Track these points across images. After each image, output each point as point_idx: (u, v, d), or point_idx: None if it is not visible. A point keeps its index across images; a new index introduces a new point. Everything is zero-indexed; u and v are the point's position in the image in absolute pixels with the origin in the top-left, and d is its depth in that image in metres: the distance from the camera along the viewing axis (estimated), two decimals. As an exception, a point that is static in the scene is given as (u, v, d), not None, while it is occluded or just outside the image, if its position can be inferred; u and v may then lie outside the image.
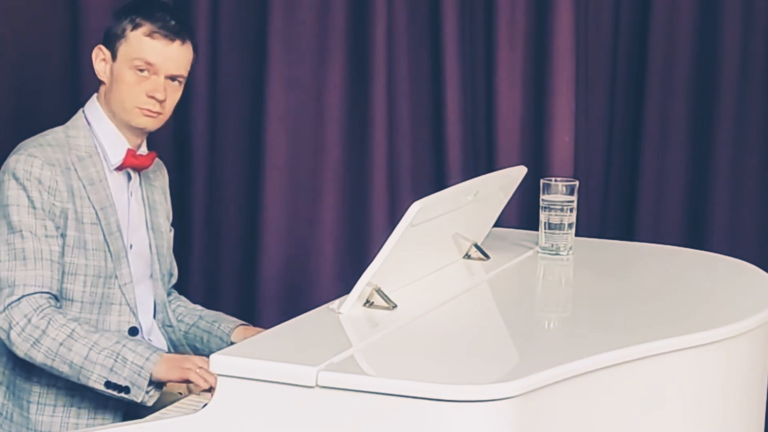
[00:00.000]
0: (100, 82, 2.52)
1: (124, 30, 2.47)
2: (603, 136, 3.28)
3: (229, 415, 1.92)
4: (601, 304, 2.42)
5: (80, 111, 2.55)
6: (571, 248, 2.73)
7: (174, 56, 2.48)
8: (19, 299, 2.33)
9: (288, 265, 3.22)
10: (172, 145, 3.23)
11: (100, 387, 2.31)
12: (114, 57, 2.48)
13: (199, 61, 3.22)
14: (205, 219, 3.31)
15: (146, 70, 2.46)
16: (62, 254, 2.40)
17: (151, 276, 2.59)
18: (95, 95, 2.55)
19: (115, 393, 2.31)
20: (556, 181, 2.73)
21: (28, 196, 2.38)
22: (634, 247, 3.02)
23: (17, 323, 2.32)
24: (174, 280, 2.72)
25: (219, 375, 1.92)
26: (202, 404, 1.99)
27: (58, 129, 2.51)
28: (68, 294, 2.42)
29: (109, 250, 2.46)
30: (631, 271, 2.77)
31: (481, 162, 3.23)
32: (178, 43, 2.49)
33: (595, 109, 3.26)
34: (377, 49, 3.14)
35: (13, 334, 2.32)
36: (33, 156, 2.40)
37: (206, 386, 2.27)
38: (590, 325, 2.27)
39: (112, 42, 2.49)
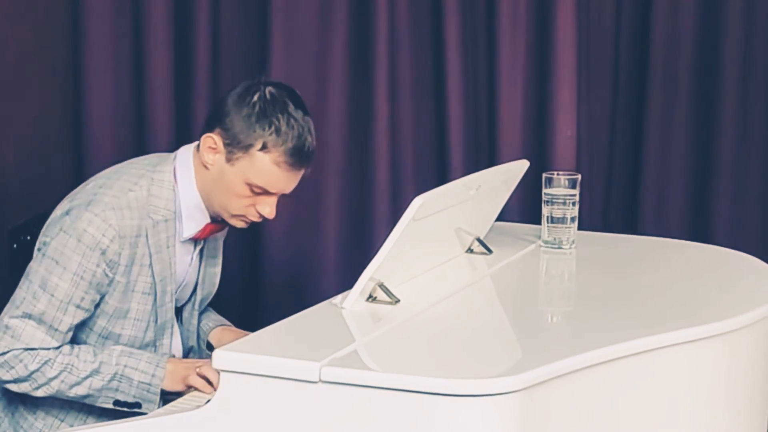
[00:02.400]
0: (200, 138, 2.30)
1: (251, 145, 2.22)
2: (605, 129, 3.28)
3: (232, 410, 1.92)
4: (603, 297, 2.42)
5: (171, 160, 2.32)
6: (573, 242, 2.73)
7: (295, 181, 2.29)
8: (15, 349, 2.23)
9: (291, 260, 3.22)
10: (174, 142, 3.23)
11: (109, 406, 2.28)
12: (229, 161, 2.25)
13: (201, 59, 3.23)
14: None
15: (262, 193, 2.27)
16: (93, 321, 2.28)
17: (181, 323, 2.48)
18: (192, 150, 2.32)
19: (125, 409, 2.27)
20: (558, 174, 2.72)
21: (82, 264, 2.21)
22: (636, 240, 3.02)
23: (12, 367, 2.23)
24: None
25: (222, 371, 1.92)
26: (206, 400, 1.99)
27: (143, 182, 2.28)
28: (87, 342, 2.32)
29: (156, 321, 2.33)
30: (634, 264, 2.77)
31: (483, 156, 3.23)
32: (303, 170, 2.29)
33: (598, 103, 3.26)
34: (379, 44, 3.14)
35: (7, 377, 2.24)
36: (107, 224, 2.20)
37: (209, 390, 2.23)
38: (593, 318, 2.27)
39: (231, 143, 2.24)
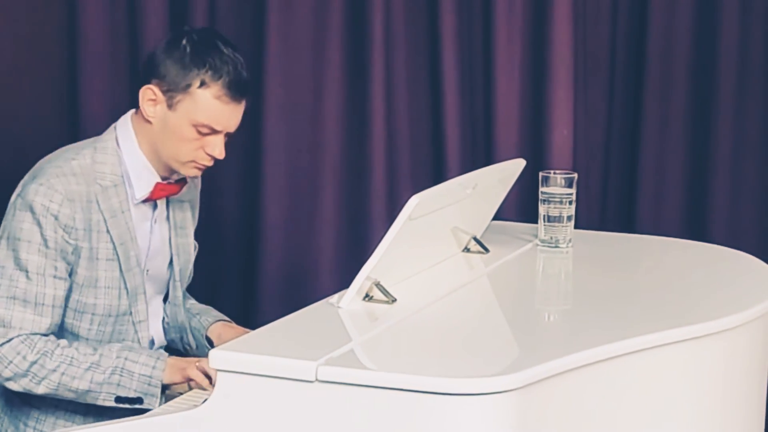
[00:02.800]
0: (136, 104, 2.36)
1: (189, 85, 2.29)
2: (602, 128, 3.28)
3: (229, 410, 1.92)
4: (600, 296, 2.42)
5: (112, 130, 2.39)
6: (570, 241, 2.73)
7: (238, 115, 2.35)
8: (9, 339, 2.24)
9: (288, 259, 3.22)
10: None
11: (111, 403, 2.28)
12: (170, 106, 2.31)
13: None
14: (205, 214, 3.30)
15: (209, 133, 2.33)
16: (68, 295, 2.31)
17: (167, 301, 2.51)
18: (130, 115, 2.40)
19: (127, 405, 2.28)
20: (555, 173, 2.72)
21: (42, 234, 2.25)
22: (633, 239, 3.02)
23: (10, 362, 2.24)
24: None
25: (218, 370, 1.92)
26: (203, 399, 1.99)
27: (86, 152, 2.35)
28: (74, 329, 2.35)
29: (126, 287, 2.36)
30: (631, 263, 2.77)
31: (480, 155, 3.22)
32: (244, 102, 2.35)
33: (594, 101, 3.26)
34: (375, 43, 3.14)
35: (7, 372, 2.25)
36: (53, 190, 2.26)
37: (207, 384, 2.25)
38: (590, 317, 2.27)
39: (169, 88, 2.31)
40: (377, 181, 3.18)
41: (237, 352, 1.94)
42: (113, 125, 2.41)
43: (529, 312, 2.37)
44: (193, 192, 2.56)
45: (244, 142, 3.25)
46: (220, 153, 2.35)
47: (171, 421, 1.97)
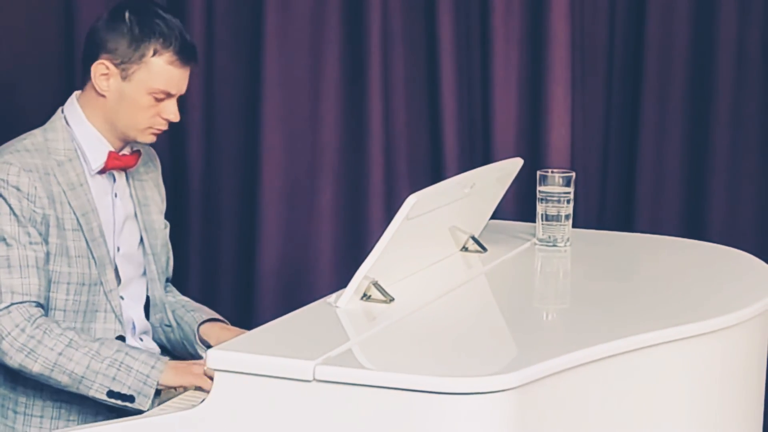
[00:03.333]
0: (85, 86, 2.46)
1: (143, 55, 2.40)
2: (600, 127, 3.27)
3: (227, 410, 1.91)
4: (598, 295, 2.42)
5: (59, 112, 2.48)
6: (568, 240, 2.73)
7: (187, 78, 2.46)
8: (7, 307, 2.27)
9: (285, 259, 3.22)
10: (168, 141, 3.22)
11: (102, 397, 2.27)
12: (125, 78, 2.41)
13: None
14: (202, 214, 3.31)
15: (164, 98, 2.43)
16: (47, 261, 2.35)
17: (145, 275, 2.55)
18: (74, 96, 2.48)
19: (118, 402, 2.26)
20: (552, 172, 2.72)
21: (8, 204, 2.32)
22: (631, 238, 3.02)
23: (8, 333, 2.26)
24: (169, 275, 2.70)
25: (216, 370, 1.92)
26: (200, 399, 1.98)
27: (36, 132, 2.44)
28: (52, 302, 2.37)
29: (93, 257, 2.41)
30: (629, 262, 2.77)
31: (478, 155, 3.22)
32: (192, 64, 2.47)
33: (592, 100, 3.26)
34: (372, 44, 3.14)
35: (5, 345, 2.26)
36: (8, 163, 2.34)
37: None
38: (588, 316, 2.27)
39: (123, 61, 2.40)
40: (375, 180, 3.18)
41: (234, 352, 1.94)
42: (59, 108, 2.49)
43: (527, 311, 2.37)
44: (153, 172, 2.63)
45: (242, 142, 3.26)
46: (175, 116, 2.46)
47: (169, 421, 1.97)
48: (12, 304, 2.28)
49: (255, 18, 3.20)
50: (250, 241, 3.24)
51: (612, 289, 2.45)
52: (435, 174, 3.18)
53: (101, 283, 2.42)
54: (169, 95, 2.43)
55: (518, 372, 1.85)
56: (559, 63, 3.13)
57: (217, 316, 2.61)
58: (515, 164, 2.77)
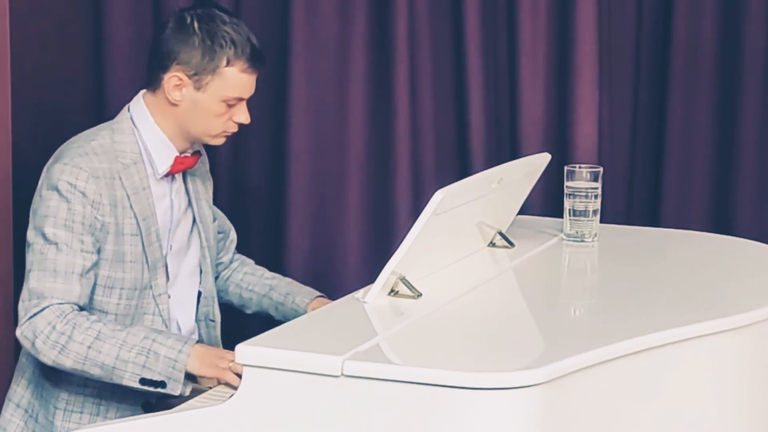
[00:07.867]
0: (152, 87, 2.44)
1: (216, 66, 2.39)
2: (627, 122, 3.27)
3: (256, 405, 1.92)
4: (626, 290, 2.41)
5: (125, 111, 2.47)
6: (596, 235, 2.73)
7: (255, 81, 2.47)
8: (43, 309, 2.28)
9: (313, 254, 3.23)
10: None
11: (136, 384, 2.27)
12: (199, 88, 2.40)
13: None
14: (229, 210, 3.31)
15: (235, 103, 2.44)
16: (96, 268, 2.35)
17: (201, 271, 2.57)
18: (141, 96, 2.47)
19: (151, 389, 2.27)
20: (580, 167, 2.72)
21: (70, 209, 2.32)
22: (659, 233, 3.01)
23: (41, 331, 2.27)
24: (234, 243, 2.80)
25: (245, 365, 1.93)
26: (229, 395, 1.99)
27: (104, 132, 2.43)
28: (102, 306, 2.38)
29: (147, 261, 2.41)
30: (657, 257, 2.76)
31: (505, 151, 3.22)
32: (262, 67, 2.47)
33: (619, 95, 3.25)
34: (399, 39, 3.14)
35: (38, 343, 2.27)
36: (79, 168, 2.33)
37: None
38: (615, 311, 2.26)
39: (196, 72, 2.40)
40: (402, 177, 3.18)
41: (263, 347, 1.95)
42: (126, 106, 2.48)
43: (554, 306, 2.37)
44: (202, 168, 2.63)
45: (270, 138, 3.26)
46: (246, 119, 2.46)
47: (198, 416, 1.98)
48: (49, 306, 2.29)
49: (282, 17, 3.21)
50: (278, 239, 3.25)
51: (640, 284, 2.45)
52: (462, 170, 3.18)
53: (151, 287, 2.44)
54: (240, 100, 2.44)
55: (546, 367, 1.86)
56: (586, 59, 3.13)
57: (314, 292, 2.69)
58: (543, 159, 2.77)
